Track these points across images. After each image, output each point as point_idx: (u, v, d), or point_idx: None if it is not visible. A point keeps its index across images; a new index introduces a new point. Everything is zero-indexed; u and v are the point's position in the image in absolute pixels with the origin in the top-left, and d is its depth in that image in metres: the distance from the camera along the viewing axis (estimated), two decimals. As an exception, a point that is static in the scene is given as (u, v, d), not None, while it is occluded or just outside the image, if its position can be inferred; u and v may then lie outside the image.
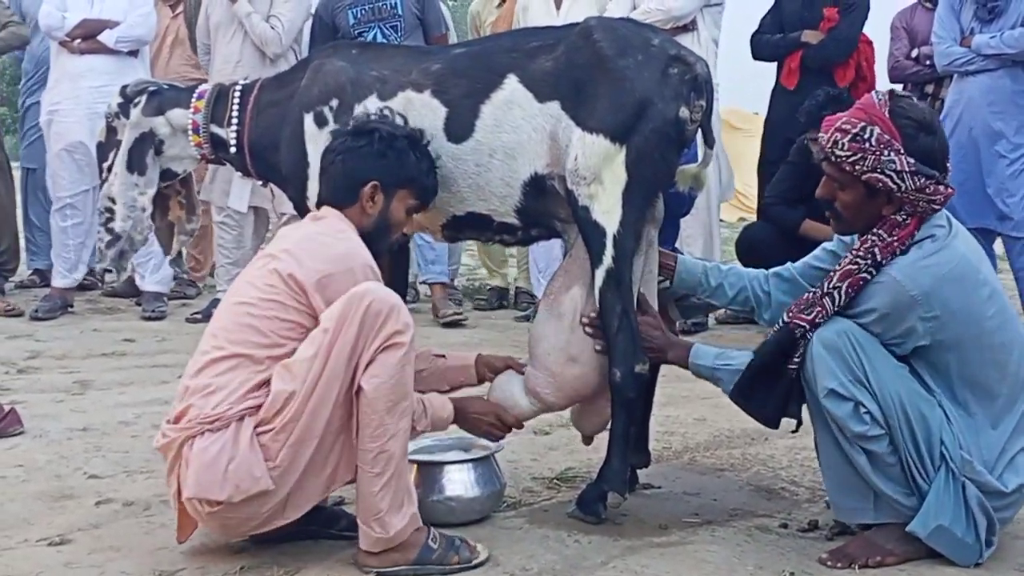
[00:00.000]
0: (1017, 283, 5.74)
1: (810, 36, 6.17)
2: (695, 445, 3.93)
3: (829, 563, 2.80)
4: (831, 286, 2.79)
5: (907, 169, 2.72)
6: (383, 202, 2.90)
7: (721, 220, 7.66)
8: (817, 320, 2.77)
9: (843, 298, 2.77)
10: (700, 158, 3.25)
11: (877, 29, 6.51)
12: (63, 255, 6.40)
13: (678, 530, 3.04)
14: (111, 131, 3.58)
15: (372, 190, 2.88)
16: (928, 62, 6.31)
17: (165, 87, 3.65)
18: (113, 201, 3.54)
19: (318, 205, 2.98)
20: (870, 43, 6.30)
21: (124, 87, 3.61)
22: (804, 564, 2.81)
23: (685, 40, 5.72)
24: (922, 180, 2.73)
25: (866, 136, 2.74)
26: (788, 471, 3.62)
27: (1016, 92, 5.63)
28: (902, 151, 2.73)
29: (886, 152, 2.73)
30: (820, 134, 2.85)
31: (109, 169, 3.56)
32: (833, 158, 2.80)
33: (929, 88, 6.51)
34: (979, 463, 2.76)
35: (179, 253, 3.93)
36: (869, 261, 2.76)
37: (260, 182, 3.69)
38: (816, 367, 2.75)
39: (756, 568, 2.77)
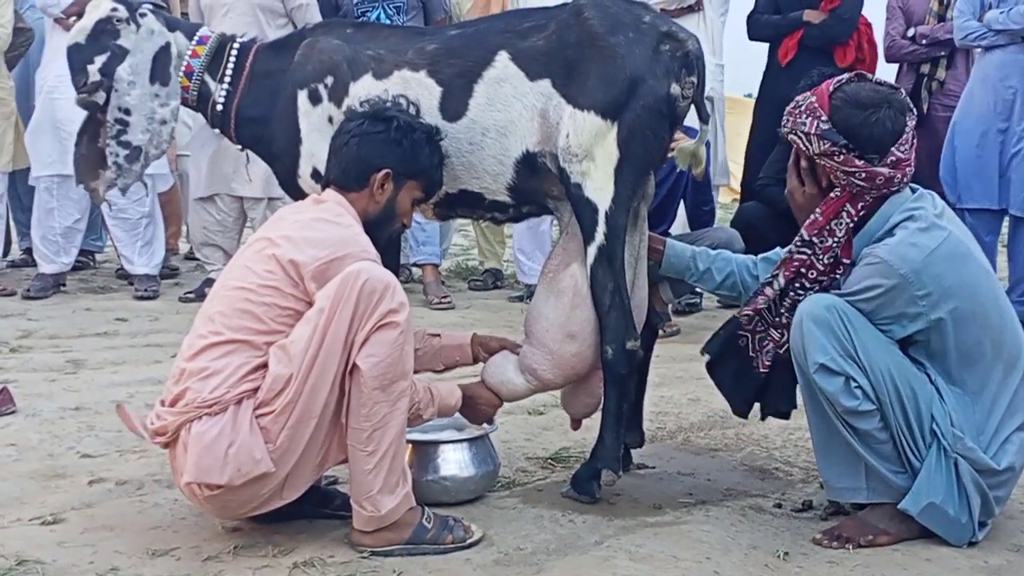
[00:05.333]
0: (1010, 263, 5.72)
1: (812, 16, 6.13)
2: (689, 425, 3.94)
3: (823, 543, 2.81)
4: (770, 275, 2.93)
5: (814, 132, 2.80)
6: (392, 191, 2.88)
7: (713, 200, 7.58)
8: (759, 306, 2.91)
9: (783, 283, 2.89)
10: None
11: (873, 9, 6.48)
12: (48, 238, 6.29)
13: (672, 510, 3.05)
14: (103, 34, 3.35)
15: (384, 178, 2.86)
16: (924, 42, 6.29)
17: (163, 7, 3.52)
18: (127, 112, 3.35)
19: (324, 185, 2.95)
20: (869, 24, 6.26)
21: None
22: (798, 544, 2.82)
23: (690, 21, 5.69)
24: (827, 145, 2.78)
25: (799, 103, 2.87)
26: (782, 451, 3.63)
27: None
28: (824, 118, 2.80)
29: (803, 116, 2.84)
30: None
31: (103, 73, 3.34)
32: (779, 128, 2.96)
33: (925, 68, 6.47)
34: (971, 440, 2.76)
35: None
36: (799, 243, 2.90)
37: (239, 148, 3.57)
38: (806, 342, 2.75)
39: (750, 548, 2.77)
